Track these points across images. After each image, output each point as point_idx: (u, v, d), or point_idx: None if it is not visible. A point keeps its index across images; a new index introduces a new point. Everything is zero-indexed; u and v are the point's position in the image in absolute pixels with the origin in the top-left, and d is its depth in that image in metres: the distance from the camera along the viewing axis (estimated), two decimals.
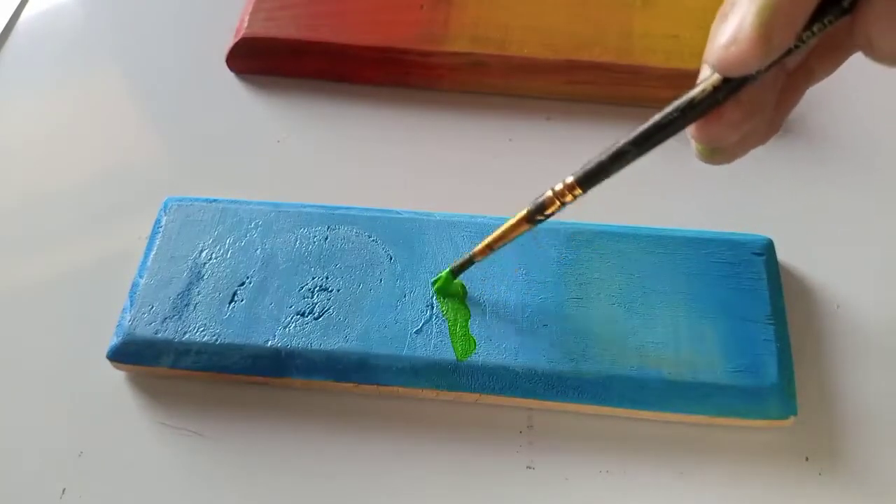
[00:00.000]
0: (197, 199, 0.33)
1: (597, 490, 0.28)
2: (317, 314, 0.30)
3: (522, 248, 0.31)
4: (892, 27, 0.20)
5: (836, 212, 0.35)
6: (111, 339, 0.30)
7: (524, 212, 0.26)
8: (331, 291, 0.30)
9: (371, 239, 0.32)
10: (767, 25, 0.19)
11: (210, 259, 0.31)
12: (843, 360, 0.31)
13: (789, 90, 0.24)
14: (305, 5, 0.40)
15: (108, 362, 0.30)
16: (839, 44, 0.23)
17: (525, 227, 0.27)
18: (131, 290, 0.31)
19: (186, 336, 0.29)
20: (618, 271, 0.31)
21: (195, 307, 0.30)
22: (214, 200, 0.33)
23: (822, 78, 0.24)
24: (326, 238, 0.32)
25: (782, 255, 0.32)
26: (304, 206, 0.33)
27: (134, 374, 0.31)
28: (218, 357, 0.29)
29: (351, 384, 0.29)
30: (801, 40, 0.20)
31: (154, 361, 0.29)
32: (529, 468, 0.28)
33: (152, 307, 0.30)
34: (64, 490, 0.28)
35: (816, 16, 0.20)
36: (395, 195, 0.36)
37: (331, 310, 0.30)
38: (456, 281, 0.30)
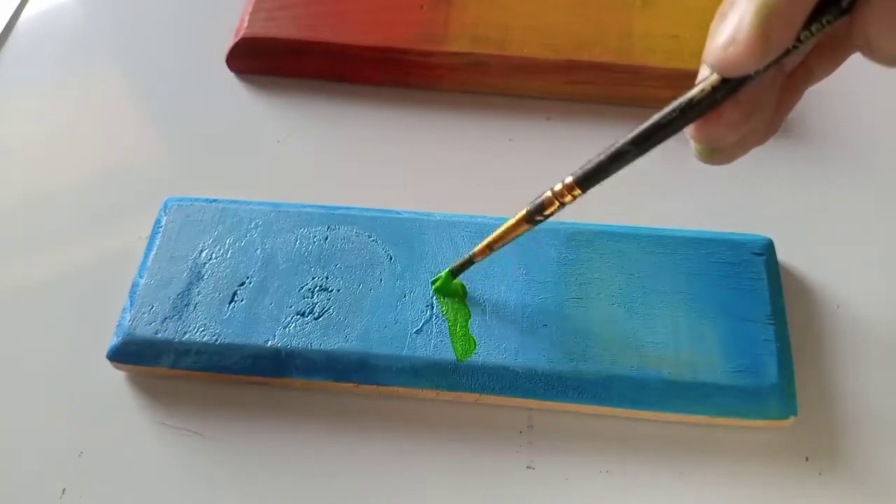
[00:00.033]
0: (197, 199, 0.33)
1: (597, 490, 0.28)
2: (317, 314, 0.30)
3: (522, 248, 0.31)
4: (890, 27, 0.20)
5: (836, 212, 0.35)
6: (111, 339, 0.30)
7: (523, 212, 0.26)
8: (331, 291, 0.30)
9: (371, 239, 0.32)
10: (766, 25, 0.19)
11: (210, 259, 0.31)
12: (843, 360, 0.31)
13: (788, 90, 0.24)
14: (305, 5, 0.40)
15: (108, 362, 0.30)
16: (838, 44, 0.23)
17: (525, 227, 0.27)
18: (131, 290, 0.31)
19: (186, 336, 0.29)
20: (618, 271, 0.31)
21: (195, 307, 0.30)
22: (214, 200, 0.33)
23: (821, 78, 0.24)
24: (326, 238, 0.32)
25: (782, 255, 0.32)
26: (304, 206, 0.33)
27: (134, 374, 0.31)
28: (218, 357, 0.29)
29: (351, 384, 0.29)
30: (799, 40, 0.20)
31: (154, 361, 0.29)
32: (529, 468, 0.28)
33: (152, 307, 0.30)
34: (64, 490, 0.28)
35: (815, 16, 0.20)
36: (395, 195, 0.36)
37: (331, 310, 0.30)
38: (456, 281, 0.30)
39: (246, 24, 0.40)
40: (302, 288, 0.31)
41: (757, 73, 0.21)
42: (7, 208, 0.36)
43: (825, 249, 0.34)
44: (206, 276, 0.31)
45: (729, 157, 0.24)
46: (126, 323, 0.30)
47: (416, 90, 0.40)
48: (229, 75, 0.41)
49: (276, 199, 0.34)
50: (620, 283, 0.30)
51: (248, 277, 0.31)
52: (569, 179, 0.25)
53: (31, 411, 0.30)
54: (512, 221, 0.27)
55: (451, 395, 0.29)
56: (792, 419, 0.28)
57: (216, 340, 0.29)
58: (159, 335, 0.29)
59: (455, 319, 0.30)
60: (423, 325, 0.30)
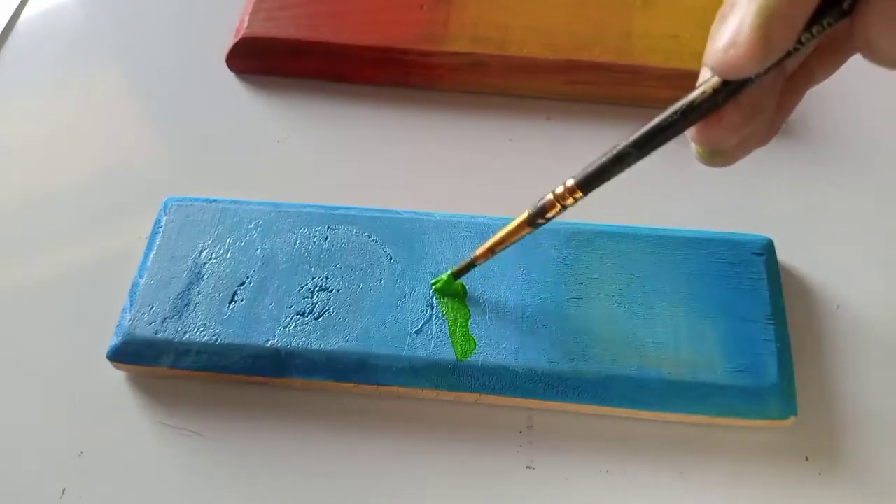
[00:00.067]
0: (197, 199, 0.33)
1: (597, 490, 0.28)
2: (317, 314, 0.30)
3: (522, 248, 0.31)
4: (891, 29, 0.20)
5: (836, 212, 0.35)
6: (111, 339, 0.30)
7: (525, 215, 0.26)
8: (331, 291, 0.30)
9: (371, 239, 0.32)
10: (767, 27, 0.19)
11: (210, 259, 0.31)
12: (843, 360, 0.31)
13: (789, 92, 0.24)
14: (305, 5, 0.40)
15: (108, 362, 0.30)
16: (839, 46, 0.23)
17: (526, 230, 0.27)
18: (131, 290, 0.31)
19: (186, 336, 0.29)
20: (618, 271, 0.31)
21: (195, 307, 0.30)
22: (214, 200, 0.33)
23: (821, 80, 0.24)
24: (326, 238, 0.32)
25: (782, 255, 0.32)
26: (304, 206, 0.33)
27: (134, 374, 0.31)
28: (218, 357, 0.29)
29: (351, 384, 0.29)
30: (800, 42, 0.20)
31: (154, 361, 0.29)
32: (529, 468, 0.28)
33: (152, 307, 0.30)
34: (64, 490, 0.28)
35: (816, 18, 0.20)
36: (395, 195, 0.36)
37: (331, 310, 0.30)
38: (457, 281, 0.30)
39: (246, 24, 0.40)
40: (302, 288, 0.31)
41: (758, 75, 0.21)
42: (7, 208, 0.36)
43: (825, 249, 0.34)
44: (206, 276, 0.31)
45: (730, 159, 0.24)
46: (126, 323, 0.30)
47: (416, 90, 0.40)
48: (229, 75, 0.41)
49: (276, 199, 0.34)
50: (620, 283, 0.30)
51: (248, 277, 0.31)
52: (570, 182, 0.25)
53: (31, 411, 0.30)
54: (513, 224, 0.27)
55: (451, 395, 0.29)
56: (792, 419, 0.28)
57: (216, 340, 0.29)
58: (159, 335, 0.29)
59: (455, 319, 0.30)
60: (423, 325, 0.30)
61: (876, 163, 0.37)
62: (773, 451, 0.29)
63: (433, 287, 0.30)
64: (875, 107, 0.39)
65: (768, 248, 0.31)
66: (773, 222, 0.33)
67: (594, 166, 0.24)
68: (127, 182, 0.37)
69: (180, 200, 0.33)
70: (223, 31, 0.41)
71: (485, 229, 0.32)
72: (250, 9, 0.40)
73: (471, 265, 0.29)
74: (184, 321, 0.30)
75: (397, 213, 0.33)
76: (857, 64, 0.23)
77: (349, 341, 0.29)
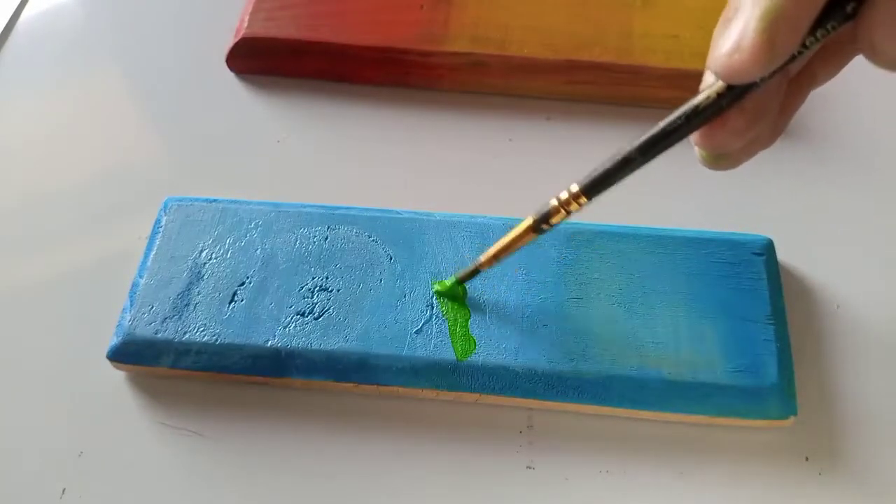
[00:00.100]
0: (197, 199, 0.33)
1: (597, 490, 0.28)
2: (317, 314, 0.30)
3: (522, 248, 0.31)
4: (895, 33, 0.19)
5: (836, 212, 0.35)
6: (111, 339, 0.30)
7: (529, 221, 0.26)
8: (331, 291, 0.30)
9: (371, 239, 0.32)
10: (771, 32, 0.19)
11: (210, 259, 0.31)
12: (843, 360, 0.31)
13: (792, 94, 0.24)
14: (305, 5, 0.40)
15: (108, 362, 0.30)
16: (841, 48, 0.23)
17: (531, 236, 0.26)
18: (131, 290, 0.31)
19: (186, 336, 0.29)
20: (618, 271, 0.31)
21: (195, 307, 0.30)
22: (214, 200, 0.33)
23: (824, 81, 0.24)
24: (326, 238, 0.32)
25: (782, 255, 0.32)
26: (304, 206, 0.33)
27: (134, 374, 0.31)
28: (218, 357, 0.29)
29: (351, 384, 0.29)
30: (804, 46, 0.20)
31: (154, 361, 0.29)
32: (529, 468, 0.28)
33: (152, 307, 0.30)
34: (64, 490, 0.28)
35: (820, 21, 0.20)
36: (395, 195, 0.36)
37: (331, 310, 0.30)
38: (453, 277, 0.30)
39: (246, 24, 0.40)
40: (302, 288, 0.31)
41: (762, 79, 0.20)
42: (7, 208, 0.36)
43: (825, 249, 0.34)
44: (206, 276, 0.31)
45: (734, 162, 0.24)
46: (126, 323, 0.30)
47: (416, 90, 0.40)
48: (229, 75, 0.41)
49: (276, 199, 0.34)
50: (620, 283, 0.30)
51: (248, 277, 0.31)
52: (574, 188, 0.24)
53: (31, 411, 0.30)
54: (518, 231, 0.27)
55: (451, 395, 0.29)
56: (792, 419, 0.28)
57: (216, 340, 0.29)
58: (159, 335, 0.29)
59: (455, 319, 0.30)
60: (423, 325, 0.30)
61: (876, 163, 0.37)
62: (773, 451, 0.29)
63: (434, 291, 0.30)
64: (875, 107, 0.39)
65: (768, 248, 0.31)
66: (773, 222, 0.33)
67: (598, 172, 0.24)
68: (127, 182, 0.37)
69: (180, 200, 0.33)
70: (223, 31, 0.41)
71: (485, 229, 0.32)
72: (250, 9, 0.40)
73: (475, 272, 0.29)
74: (184, 321, 0.30)
75: (397, 213, 0.33)
76: (857, 64, 0.23)
77: (349, 341, 0.29)
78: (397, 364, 0.29)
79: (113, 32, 0.44)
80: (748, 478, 0.28)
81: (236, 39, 0.40)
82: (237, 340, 0.29)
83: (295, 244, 0.32)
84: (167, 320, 0.30)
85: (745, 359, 0.28)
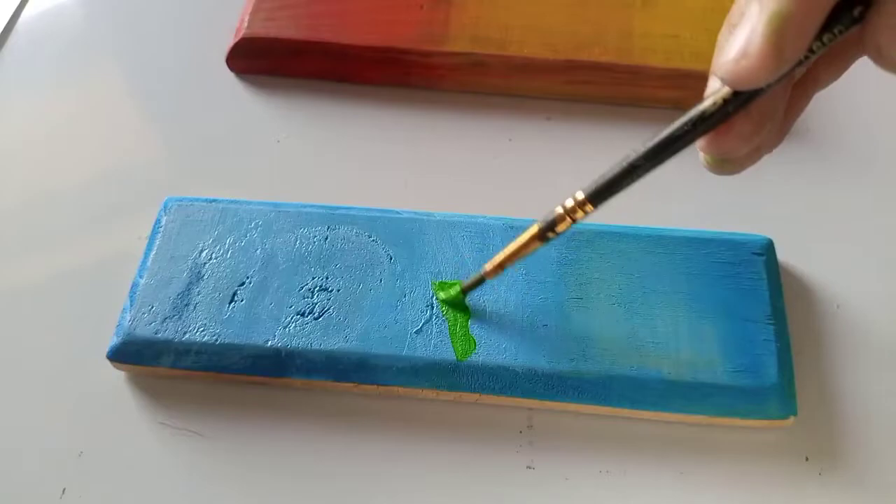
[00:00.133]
0: (197, 199, 0.33)
1: (597, 490, 0.28)
2: (317, 314, 0.30)
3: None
4: None
5: (836, 212, 0.35)
6: (111, 339, 0.30)
7: (535, 229, 0.26)
8: (331, 291, 0.30)
9: (371, 239, 0.32)
10: (778, 37, 0.19)
11: (210, 259, 0.31)
12: (843, 360, 0.31)
13: (795, 97, 0.24)
14: (305, 5, 0.40)
15: (108, 362, 0.30)
16: (845, 50, 0.23)
17: (536, 244, 0.26)
18: (131, 290, 0.31)
19: (186, 336, 0.29)
20: (618, 271, 0.31)
21: (195, 307, 0.30)
22: (214, 200, 0.33)
23: (828, 84, 0.24)
24: (326, 238, 0.32)
25: (782, 255, 0.32)
26: (304, 206, 0.33)
27: (134, 374, 0.31)
28: (218, 357, 0.29)
29: (351, 384, 0.29)
30: (811, 51, 0.20)
31: (154, 361, 0.29)
32: (529, 468, 0.28)
33: (152, 307, 0.30)
34: (64, 490, 0.28)
35: (826, 26, 0.20)
36: (395, 195, 0.36)
37: (331, 310, 0.30)
38: (456, 281, 0.30)
39: (246, 24, 0.40)
40: (302, 288, 0.31)
41: (769, 85, 0.20)
42: (7, 208, 0.36)
43: (825, 249, 0.34)
44: (206, 276, 0.31)
45: (739, 167, 0.24)
46: (126, 323, 0.30)
47: (416, 90, 0.40)
48: (229, 75, 0.41)
49: (276, 199, 0.34)
50: (620, 283, 0.30)
51: (248, 277, 0.31)
52: (580, 195, 0.24)
53: (31, 411, 0.30)
54: (523, 240, 0.27)
55: (451, 395, 0.29)
56: (792, 419, 0.28)
57: (216, 340, 0.29)
58: (159, 335, 0.29)
59: (455, 319, 0.30)
60: (423, 325, 0.30)
61: (876, 163, 0.37)
62: (773, 451, 0.29)
63: (440, 301, 0.30)
64: (875, 107, 0.39)
65: (768, 248, 0.31)
66: (773, 222, 0.33)
67: (604, 179, 0.24)
68: (127, 182, 0.37)
69: (180, 200, 0.33)
70: (223, 31, 0.41)
71: (485, 229, 0.32)
72: (250, 9, 0.40)
73: (480, 281, 0.29)
74: (184, 321, 0.30)
75: (397, 213, 0.33)
76: (857, 65, 0.23)
77: (349, 341, 0.29)
78: (397, 364, 0.29)
79: (113, 32, 0.44)
80: (748, 478, 0.28)
81: (236, 39, 0.40)
82: (237, 340, 0.29)
83: (295, 244, 0.32)
84: (167, 320, 0.30)
85: (745, 359, 0.28)
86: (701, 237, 0.32)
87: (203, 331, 0.29)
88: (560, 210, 0.25)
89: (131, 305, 0.30)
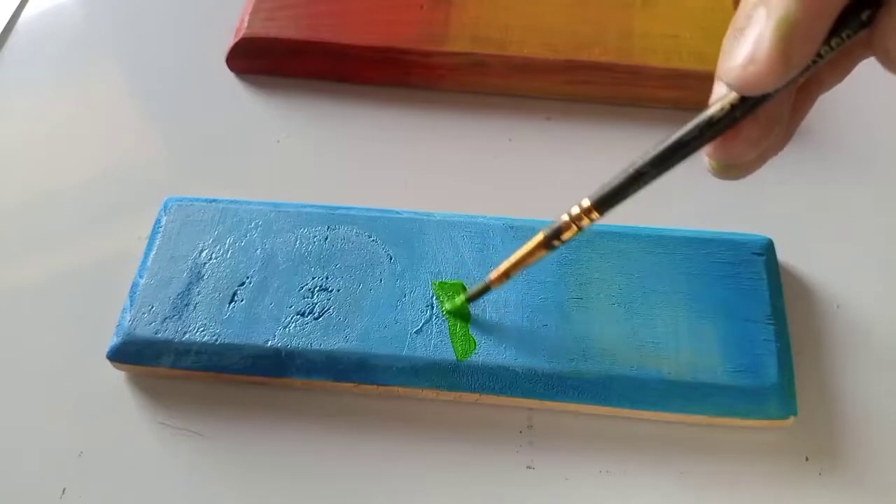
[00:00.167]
0: (197, 199, 0.33)
1: (597, 490, 0.28)
2: (317, 314, 0.30)
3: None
4: None
5: (836, 212, 0.35)
6: (111, 339, 0.30)
7: (541, 237, 0.26)
8: (331, 291, 0.30)
9: (371, 239, 0.32)
10: (786, 42, 0.19)
11: (210, 259, 0.31)
12: (843, 360, 0.31)
13: (800, 100, 0.24)
14: (305, 5, 0.40)
15: (108, 362, 0.30)
16: (850, 52, 0.23)
17: (542, 252, 0.26)
18: (131, 290, 0.31)
19: (186, 336, 0.29)
20: (618, 271, 0.31)
21: (195, 307, 0.30)
22: (214, 200, 0.33)
23: (832, 86, 0.24)
24: (326, 238, 0.32)
25: (782, 255, 0.32)
26: (304, 206, 0.33)
27: (134, 374, 0.31)
28: (218, 357, 0.29)
29: (351, 384, 0.29)
30: (819, 55, 0.20)
31: (154, 361, 0.29)
32: (529, 468, 0.28)
33: (152, 307, 0.30)
34: (64, 490, 0.28)
35: (834, 30, 0.20)
36: (395, 195, 0.36)
37: (331, 310, 0.30)
38: (456, 281, 0.30)
39: (246, 24, 0.40)
40: (302, 288, 0.31)
41: (777, 90, 0.20)
42: (7, 208, 0.36)
43: (825, 249, 0.34)
44: (206, 276, 0.31)
45: (745, 172, 0.24)
46: (126, 323, 0.30)
47: (416, 90, 0.40)
48: (229, 75, 0.41)
49: (276, 199, 0.34)
50: (620, 283, 0.30)
51: (248, 277, 0.31)
52: (586, 203, 0.24)
53: (31, 411, 0.30)
54: (528, 248, 0.26)
55: (451, 395, 0.29)
56: (792, 419, 0.28)
57: (216, 340, 0.29)
58: (159, 335, 0.29)
59: (455, 319, 0.30)
60: (423, 325, 0.30)
61: (876, 163, 0.37)
62: (773, 451, 0.29)
63: (444, 311, 0.30)
64: (876, 108, 0.39)
65: (768, 248, 0.31)
66: (773, 222, 0.33)
67: (610, 186, 0.23)
68: (127, 182, 0.37)
69: (180, 200, 0.33)
70: (223, 31, 0.41)
71: (485, 229, 0.32)
72: (250, 9, 0.40)
73: (485, 289, 0.29)
74: (184, 321, 0.30)
75: (397, 213, 0.33)
76: (858, 66, 0.23)
77: (349, 341, 0.29)
78: (397, 364, 0.29)
79: (113, 32, 0.44)
80: (748, 478, 0.28)
81: (236, 39, 0.40)
82: (237, 340, 0.29)
83: (295, 244, 0.32)
84: (167, 320, 0.30)
85: (745, 359, 0.28)
86: (701, 237, 0.32)
87: (203, 331, 0.29)
88: (566, 218, 0.25)
89: (131, 305, 0.30)
